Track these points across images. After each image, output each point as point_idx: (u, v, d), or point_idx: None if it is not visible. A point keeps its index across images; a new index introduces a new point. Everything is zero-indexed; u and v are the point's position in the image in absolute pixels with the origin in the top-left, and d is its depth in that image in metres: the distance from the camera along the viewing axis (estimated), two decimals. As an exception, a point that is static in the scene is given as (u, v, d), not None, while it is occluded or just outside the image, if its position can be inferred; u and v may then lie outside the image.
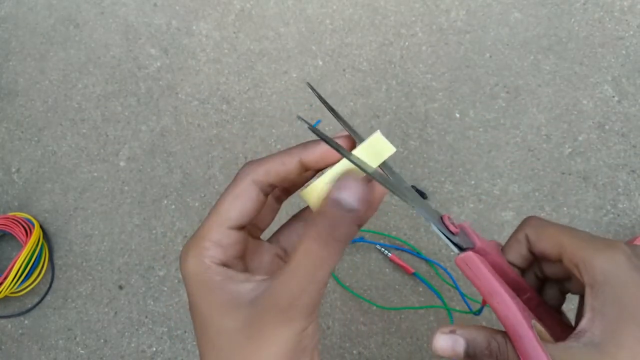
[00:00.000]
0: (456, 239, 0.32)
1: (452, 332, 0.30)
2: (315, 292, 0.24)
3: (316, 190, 0.27)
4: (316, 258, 0.24)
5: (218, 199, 0.28)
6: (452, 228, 0.32)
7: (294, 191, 0.32)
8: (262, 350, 0.24)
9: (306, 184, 0.28)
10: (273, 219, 0.32)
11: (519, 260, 0.33)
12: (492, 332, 0.30)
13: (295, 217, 0.33)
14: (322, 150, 0.27)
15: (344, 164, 0.27)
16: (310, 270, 0.24)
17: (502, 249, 0.34)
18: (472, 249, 0.32)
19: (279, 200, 0.32)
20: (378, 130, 0.29)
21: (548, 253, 0.31)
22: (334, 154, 0.27)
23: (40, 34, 0.83)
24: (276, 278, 0.25)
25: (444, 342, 0.30)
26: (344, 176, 0.25)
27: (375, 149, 0.28)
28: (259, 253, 0.31)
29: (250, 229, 0.30)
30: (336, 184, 0.25)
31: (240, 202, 0.27)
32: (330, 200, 0.24)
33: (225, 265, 0.27)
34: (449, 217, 0.32)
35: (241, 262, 0.28)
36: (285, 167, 0.27)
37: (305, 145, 0.28)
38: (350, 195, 0.24)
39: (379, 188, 0.29)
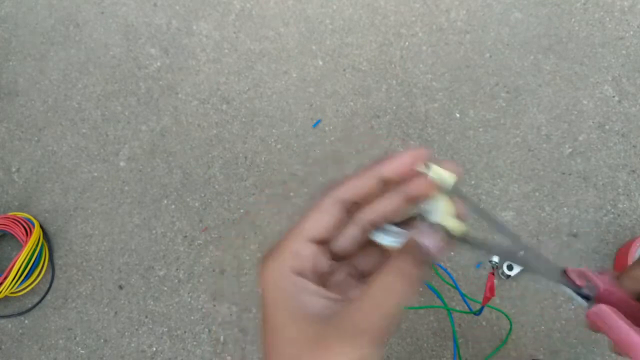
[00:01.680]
0: (582, 290, 0.30)
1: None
2: (387, 324, 0.26)
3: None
4: (392, 289, 0.26)
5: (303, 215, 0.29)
6: (578, 282, 0.30)
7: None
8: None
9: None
10: (356, 248, 0.32)
11: None
12: None
13: (370, 241, 0.33)
14: (399, 162, 0.29)
15: (437, 211, 0.29)
16: (387, 303, 0.26)
17: (619, 278, 0.31)
18: (597, 293, 0.30)
19: (365, 231, 0.31)
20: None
21: None
22: (412, 165, 0.28)
23: (40, 34, 0.83)
24: (352, 303, 0.26)
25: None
26: (435, 225, 0.28)
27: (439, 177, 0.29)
28: (334, 271, 0.31)
29: (331, 250, 0.31)
30: (421, 232, 0.28)
31: (321, 217, 0.28)
32: (415, 243, 0.27)
33: (301, 275, 0.28)
34: (572, 270, 0.30)
35: (318, 277, 0.29)
36: (365, 183, 0.29)
37: (383, 160, 0.29)
38: (435, 244, 0.27)
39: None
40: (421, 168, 0.28)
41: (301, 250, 0.28)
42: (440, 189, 0.28)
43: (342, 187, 0.29)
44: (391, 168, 0.28)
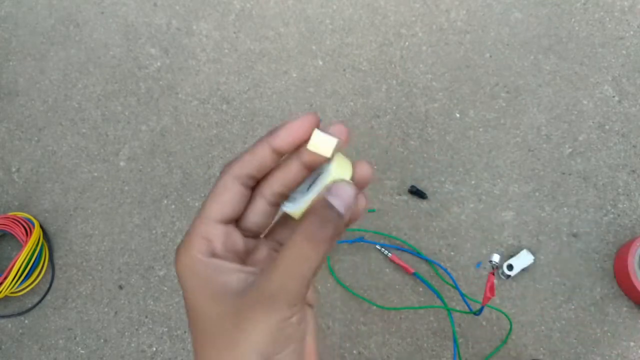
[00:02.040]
0: None
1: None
2: (298, 285, 0.26)
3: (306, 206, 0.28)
4: (301, 254, 0.26)
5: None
6: None
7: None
8: (245, 335, 0.26)
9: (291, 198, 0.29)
10: (269, 222, 0.32)
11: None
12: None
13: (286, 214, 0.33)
14: (290, 133, 0.28)
15: (333, 174, 0.28)
16: (294, 265, 0.26)
17: None
18: None
19: (272, 204, 0.31)
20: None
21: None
22: (302, 133, 0.28)
23: (40, 34, 0.83)
24: (266, 271, 0.26)
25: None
26: (337, 182, 0.27)
27: (322, 145, 0.29)
28: (256, 248, 0.31)
29: (242, 228, 0.31)
30: (330, 189, 0.27)
31: (221, 197, 0.28)
32: (322, 202, 0.26)
33: (215, 257, 0.28)
34: None
35: (235, 256, 0.29)
36: (257, 156, 0.28)
37: (272, 131, 0.28)
38: (341, 201, 0.26)
39: (362, 199, 0.30)
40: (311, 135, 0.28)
41: (209, 233, 0.28)
42: (323, 153, 0.28)
43: (238, 163, 0.29)
44: (281, 139, 0.28)
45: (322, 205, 0.26)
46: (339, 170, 0.29)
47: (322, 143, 0.28)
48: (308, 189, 0.30)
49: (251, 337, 0.26)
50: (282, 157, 0.29)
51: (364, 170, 0.30)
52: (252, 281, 0.27)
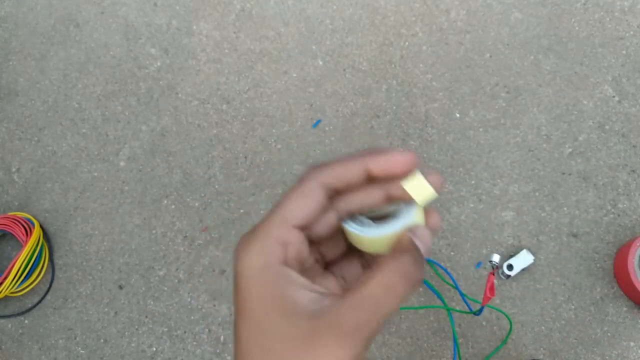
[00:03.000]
0: None
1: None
2: (380, 322, 0.24)
3: (388, 238, 0.28)
4: (392, 290, 0.25)
5: (281, 199, 0.27)
6: None
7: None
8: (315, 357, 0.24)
9: (358, 235, 0.28)
10: (329, 236, 0.30)
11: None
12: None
13: (350, 251, 0.32)
14: (390, 160, 0.27)
15: (414, 216, 0.28)
16: (382, 301, 0.24)
17: None
18: None
19: (340, 220, 0.30)
20: (418, 171, 0.28)
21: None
22: (402, 168, 0.27)
23: (41, 34, 0.83)
24: (345, 299, 0.25)
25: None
26: (420, 227, 0.27)
27: (418, 190, 0.29)
28: (317, 270, 0.30)
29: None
30: (415, 232, 0.26)
31: (306, 201, 0.27)
32: (411, 242, 0.26)
33: (288, 266, 0.26)
34: None
35: (301, 267, 0.28)
36: (351, 172, 0.27)
37: (373, 152, 0.27)
38: (424, 247, 0.26)
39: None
40: (408, 173, 0.27)
41: (288, 238, 0.26)
42: (417, 199, 0.28)
43: (327, 172, 0.27)
44: (380, 165, 0.27)
45: (414, 246, 0.26)
46: (420, 214, 0.28)
47: (419, 188, 0.28)
48: (372, 219, 0.30)
49: None
50: (367, 179, 0.28)
51: (436, 220, 0.29)
52: (327, 305, 0.25)
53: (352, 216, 0.29)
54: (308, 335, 0.24)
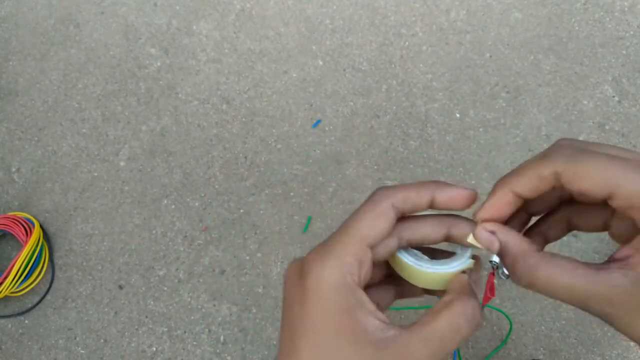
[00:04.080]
0: None
1: (493, 232, 0.29)
2: None
3: (443, 277, 0.29)
4: (459, 333, 0.25)
5: (353, 215, 0.27)
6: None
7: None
8: None
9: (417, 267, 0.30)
10: (378, 278, 0.31)
11: (531, 196, 0.27)
12: (528, 249, 0.27)
13: (388, 279, 0.32)
14: (455, 194, 0.28)
15: (470, 261, 0.30)
16: (449, 341, 0.25)
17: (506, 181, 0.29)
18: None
19: (399, 247, 0.30)
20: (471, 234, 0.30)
21: (589, 195, 0.25)
22: (463, 201, 0.29)
23: (40, 34, 0.83)
24: (414, 333, 0.25)
25: (483, 236, 0.29)
26: (474, 271, 0.29)
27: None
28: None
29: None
30: (472, 277, 0.28)
31: (381, 222, 0.27)
32: (471, 289, 0.27)
33: (359, 286, 0.26)
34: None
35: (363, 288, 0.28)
36: (419, 198, 0.28)
37: (440, 184, 0.28)
38: (478, 290, 0.27)
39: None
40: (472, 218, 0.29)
41: (362, 257, 0.26)
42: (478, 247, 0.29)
43: (399, 194, 0.27)
44: (445, 195, 0.28)
45: (474, 292, 0.27)
46: (472, 261, 0.30)
47: (474, 244, 0.29)
48: (427, 256, 0.30)
49: None
50: (431, 208, 0.29)
51: (479, 270, 0.31)
52: (393, 336, 0.25)
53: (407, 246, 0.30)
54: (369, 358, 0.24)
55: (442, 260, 0.30)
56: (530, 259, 0.26)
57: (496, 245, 0.28)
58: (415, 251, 0.30)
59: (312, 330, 0.26)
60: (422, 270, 0.29)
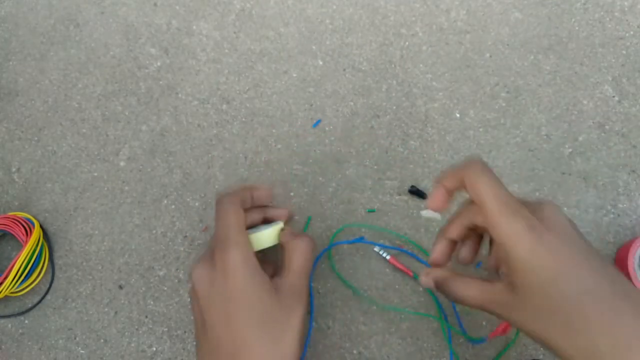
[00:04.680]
0: None
1: (427, 275, 0.48)
2: (306, 276, 0.50)
3: (269, 234, 0.55)
4: (309, 256, 0.51)
5: (218, 222, 0.51)
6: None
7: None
8: (291, 315, 0.43)
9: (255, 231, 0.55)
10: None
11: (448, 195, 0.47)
12: (446, 276, 0.47)
13: None
14: (262, 193, 0.58)
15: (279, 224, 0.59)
16: (307, 271, 0.49)
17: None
18: None
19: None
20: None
21: (475, 200, 0.42)
22: (267, 197, 0.59)
23: (40, 34, 0.83)
24: (288, 275, 0.47)
25: (426, 280, 0.48)
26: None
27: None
28: None
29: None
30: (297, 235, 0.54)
31: (239, 214, 0.51)
32: (307, 239, 0.53)
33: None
34: None
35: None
36: (245, 197, 0.56)
37: (254, 186, 0.56)
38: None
39: None
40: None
41: (246, 239, 0.50)
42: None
43: (235, 196, 0.53)
44: (259, 196, 0.56)
45: (294, 233, 0.56)
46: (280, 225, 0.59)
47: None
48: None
49: (295, 316, 0.44)
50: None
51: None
52: (282, 281, 0.47)
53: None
54: (280, 299, 0.44)
55: (262, 226, 0.56)
56: (447, 281, 0.44)
57: (431, 284, 0.47)
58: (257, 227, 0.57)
59: (242, 296, 0.44)
60: (251, 234, 0.52)
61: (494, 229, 0.37)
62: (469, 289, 0.40)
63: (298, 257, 0.46)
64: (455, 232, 0.46)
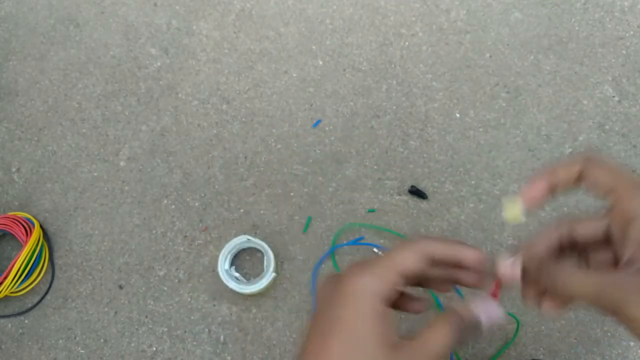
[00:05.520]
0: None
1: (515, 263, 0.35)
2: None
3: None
4: (446, 346, 0.31)
5: (392, 248, 0.34)
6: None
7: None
8: None
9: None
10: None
11: (560, 188, 0.36)
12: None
13: None
14: (477, 257, 0.34)
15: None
16: (439, 352, 0.31)
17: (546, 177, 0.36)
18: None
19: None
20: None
21: (598, 190, 0.35)
22: (480, 263, 0.35)
23: (40, 34, 0.83)
24: (415, 344, 0.31)
25: (506, 269, 0.35)
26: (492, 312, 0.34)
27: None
28: None
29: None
30: (483, 309, 0.33)
31: (414, 257, 0.33)
32: (476, 318, 0.33)
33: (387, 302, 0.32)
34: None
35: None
36: (446, 253, 0.34)
37: (467, 247, 0.35)
38: (488, 315, 0.33)
39: None
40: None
41: (394, 280, 0.31)
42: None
43: (435, 244, 0.34)
44: (469, 259, 0.34)
45: (474, 319, 0.34)
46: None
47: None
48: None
49: None
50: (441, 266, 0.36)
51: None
52: (403, 342, 0.31)
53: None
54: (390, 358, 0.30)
55: (254, 280, 0.55)
56: (550, 266, 0.33)
57: (516, 273, 0.35)
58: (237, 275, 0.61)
59: (346, 329, 0.30)
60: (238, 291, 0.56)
61: (630, 203, 0.32)
62: (581, 278, 0.31)
63: (436, 338, 0.31)
64: (562, 184, 0.36)
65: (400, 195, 0.71)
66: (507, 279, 0.35)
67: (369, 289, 0.31)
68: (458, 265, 0.35)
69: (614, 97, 0.73)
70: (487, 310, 0.33)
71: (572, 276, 0.31)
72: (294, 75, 0.77)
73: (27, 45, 0.82)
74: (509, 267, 0.34)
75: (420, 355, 0.31)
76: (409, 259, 0.32)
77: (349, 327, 0.30)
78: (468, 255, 0.34)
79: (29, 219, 0.71)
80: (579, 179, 0.35)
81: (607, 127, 0.72)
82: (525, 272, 0.34)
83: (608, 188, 0.34)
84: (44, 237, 0.71)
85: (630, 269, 0.30)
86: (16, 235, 0.69)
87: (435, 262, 0.34)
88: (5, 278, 0.65)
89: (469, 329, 0.32)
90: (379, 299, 0.31)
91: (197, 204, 0.72)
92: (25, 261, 0.66)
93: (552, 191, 0.36)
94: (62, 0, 0.84)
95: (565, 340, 0.64)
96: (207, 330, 0.67)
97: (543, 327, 0.65)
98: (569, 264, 0.33)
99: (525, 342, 0.63)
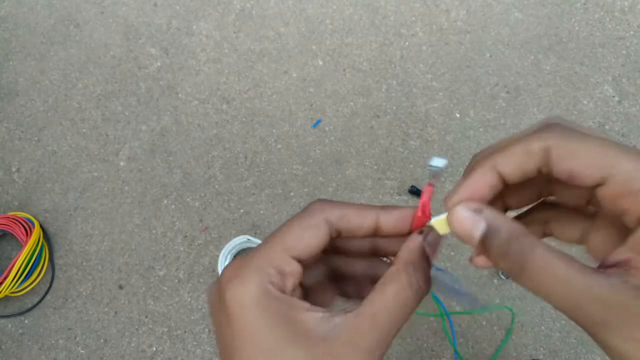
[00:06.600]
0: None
1: (478, 210, 0.24)
2: (393, 337, 0.23)
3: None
4: (408, 305, 0.24)
5: (282, 226, 0.26)
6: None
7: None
8: None
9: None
10: (327, 303, 0.29)
11: (515, 177, 0.23)
12: (523, 230, 0.23)
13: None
14: (401, 216, 0.26)
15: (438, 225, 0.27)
16: (400, 318, 0.23)
17: (492, 156, 0.24)
18: None
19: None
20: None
21: (581, 177, 0.22)
22: (407, 223, 0.26)
23: (41, 34, 0.83)
24: (362, 315, 0.23)
25: (464, 215, 0.24)
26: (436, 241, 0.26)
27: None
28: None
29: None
30: (429, 247, 0.25)
31: (309, 235, 0.25)
32: (427, 259, 0.25)
33: (285, 293, 0.25)
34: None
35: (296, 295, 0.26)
36: (360, 219, 0.26)
37: (386, 207, 0.26)
38: (431, 242, 0.25)
39: None
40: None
41: (285, 267, 0.24)
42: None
43: (338, 211, 0.26)
44: (391, 219, 0.26)
45: (424, 259, 0.25)
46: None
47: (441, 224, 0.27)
48: None
49: None
50: (373, 236, 0.27)
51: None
52: (340, 324, 0.23)
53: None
54: (326, 358, 0.23)
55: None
56: (525, 240, 0.22)
57: (482, 227, 0.23)
58: None
59: (246, 347, 0.24)
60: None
61: (615, 170, 0.20)
62: (568, 269, 0.22)
63: (395, 297, 0.24)
64: (512, 162, 0.23)
65: (400, 195, 0.71)
66: (461, 235, 0.24)
67: (249, 295, 0.24)
68: (375, 234, 0.26)
69: (614, 97, 0.73)
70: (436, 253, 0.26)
71: (548, 272, 0.22)
72: (294, 75, 0.77)
73: (27, 45, 0.82)
74: (469, 222, 0.24)
75: (371, 333, 0.23)
76: (304, 239, 0.25)
77: (248, 343, 0.23)
78: (391, 214, 0.26)
79: (29, 219, 0.71)
80: (545, 164, 0.22)
81: (607, 127, 0.72)
82: (486, 237, 0.24)
83: (599, 165, 0.21)
84: (44, 237, 0.71)
85: (630, 280, 0.21)
86: (16, 235, 0.69)
87: (346, 233, 0.26)
88: (5, 278, 0.65)
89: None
90: (268, 298, 0.24)
91: (197, 204, 0.72)
92: (25, 261, 0.66)
93: (499, 186, 0.24)
94: (62, 0, 0.84)
95: (565, 340, 0.64)
96: (207, 330, 0.67)
97: (543, 327, 0.65)
98: (543, 248, 0.22)
99: (525, 342, 0.64)
